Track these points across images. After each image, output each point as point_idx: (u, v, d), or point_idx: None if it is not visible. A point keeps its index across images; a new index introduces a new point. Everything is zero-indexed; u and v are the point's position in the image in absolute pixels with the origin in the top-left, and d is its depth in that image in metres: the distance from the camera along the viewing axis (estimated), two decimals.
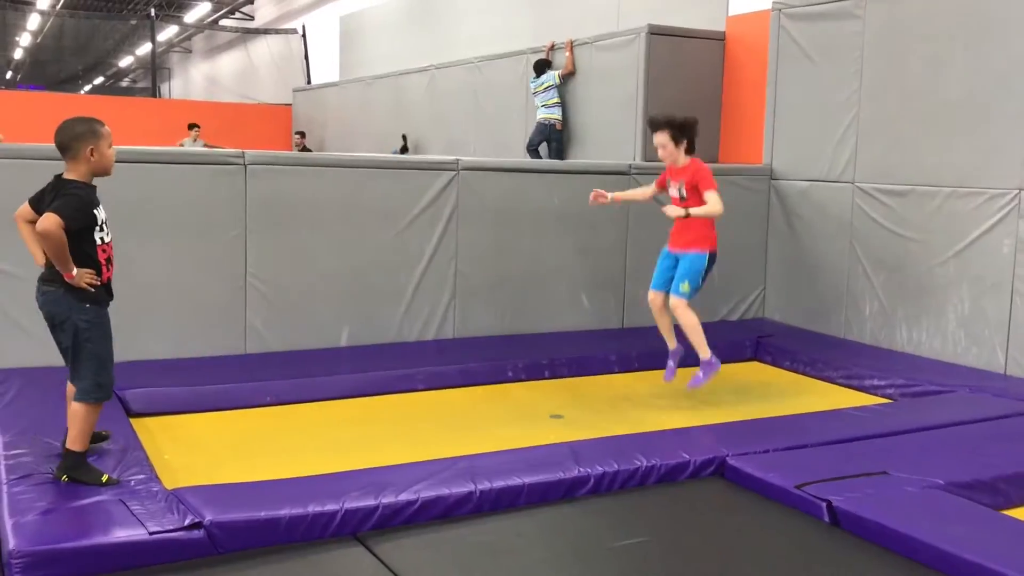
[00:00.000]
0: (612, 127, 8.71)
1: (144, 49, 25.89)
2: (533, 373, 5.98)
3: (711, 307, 7.50)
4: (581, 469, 3.90)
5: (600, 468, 3.93)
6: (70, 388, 3.75)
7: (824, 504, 3.65)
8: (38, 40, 23.59)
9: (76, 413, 3.64)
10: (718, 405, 5.49)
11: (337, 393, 5.41)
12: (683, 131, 5.35)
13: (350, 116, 14.88)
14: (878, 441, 4.45)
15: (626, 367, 6.30)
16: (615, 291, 7.16)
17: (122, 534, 3.12)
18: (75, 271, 3.55)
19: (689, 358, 5.67)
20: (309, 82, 19.23)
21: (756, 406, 5.43)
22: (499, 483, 3.72)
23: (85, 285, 3.58)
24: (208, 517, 3.22)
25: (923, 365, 6.12)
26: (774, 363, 6.65)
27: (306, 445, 4.63)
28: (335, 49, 18.15)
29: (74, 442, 3.62)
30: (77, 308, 3.60)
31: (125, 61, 30.16)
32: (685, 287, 5.35)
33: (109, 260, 3.72)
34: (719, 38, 8.60)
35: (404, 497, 3.53)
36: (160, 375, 5.23)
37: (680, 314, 5.39)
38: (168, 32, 26.84)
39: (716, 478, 4.11)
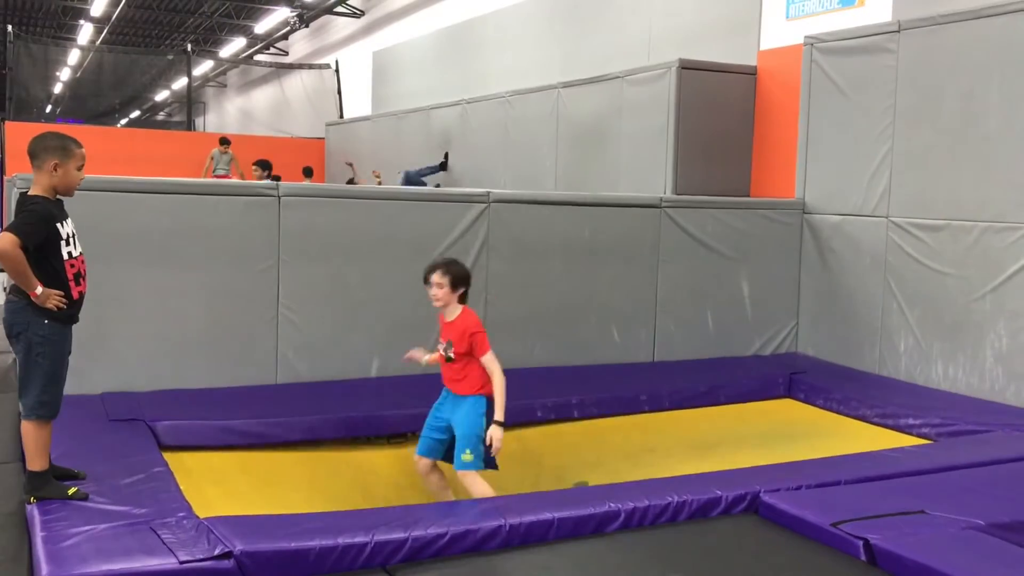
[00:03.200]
0: (643, 161, 8.71)
1: (180, 83, 26.37)
2: (562, 413, 5.91)
3: (745, 341, 7.46)
4: (611, 504, 3.86)
5: (631, 503, 3.88)
6: None
7: (861, 543, 3.58)
8: (78, 75, 24.09)
9: (26, 432, 3.64)
10: (750, 446, 5.41)
11: (370, 431, 5.37)
12: (462, 279, 4.60)
13: (382, 150, 15.01)
14: (915, 479, 4.37)
15: (657, 406, 6.21)
16: (646, 324, 7.13)
17: (153, 563, 3.12)
18: (40, 290, 3.51)
19: None
20: (342, 116, 19.44)
21: (789, 447, 5.35)
22: (528, 517, 3.69)
23: (52, 307, 3.55)
24: (238, 547, 3.22)
25: (960, 403, 6.01)
26: (807, 400, 6.55)
27: (335, 481, 4.62)
28: (367, 84, 18.36)
29: (32, 462, 3.64)
30: (35, 322, 3.57)
31: (161, 95, 30.73)
32: (468, 456, 4.37)
33: (79, 275, 3.69)
34: (751, 72, 8.60)
35: (433, 530, 3.51)
36: (192, 406, 5.24)
37: (473, 491, 4.36)
38: (204, 67, 27.34)
39: (750, 515, 4.05)
